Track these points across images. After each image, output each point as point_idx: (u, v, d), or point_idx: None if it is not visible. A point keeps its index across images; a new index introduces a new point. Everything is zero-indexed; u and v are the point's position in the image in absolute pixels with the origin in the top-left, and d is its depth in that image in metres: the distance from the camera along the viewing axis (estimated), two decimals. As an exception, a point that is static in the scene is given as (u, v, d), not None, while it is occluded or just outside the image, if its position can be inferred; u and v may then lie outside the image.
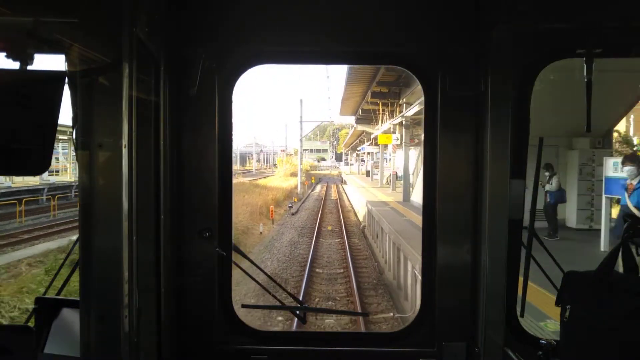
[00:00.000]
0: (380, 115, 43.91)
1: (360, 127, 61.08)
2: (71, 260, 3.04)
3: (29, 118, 2.14)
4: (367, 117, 53.20)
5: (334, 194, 60.27)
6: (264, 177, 75.72)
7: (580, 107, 2.93)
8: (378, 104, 42.83)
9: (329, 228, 30.40)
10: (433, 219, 3.22)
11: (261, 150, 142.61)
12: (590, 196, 17.58)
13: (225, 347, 3.26)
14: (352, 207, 43.61)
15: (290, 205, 41.41)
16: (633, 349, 2.23)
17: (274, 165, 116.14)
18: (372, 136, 55.59)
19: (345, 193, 59.46)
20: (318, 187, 74.28)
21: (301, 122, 59.76)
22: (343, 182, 79.84)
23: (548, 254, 3.10)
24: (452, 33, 3.13)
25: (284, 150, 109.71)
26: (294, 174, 63.98)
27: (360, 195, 40.01)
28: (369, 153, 76.17)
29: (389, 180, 48.62)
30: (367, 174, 77.13)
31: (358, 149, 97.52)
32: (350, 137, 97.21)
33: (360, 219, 34.24)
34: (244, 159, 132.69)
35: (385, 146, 48.42)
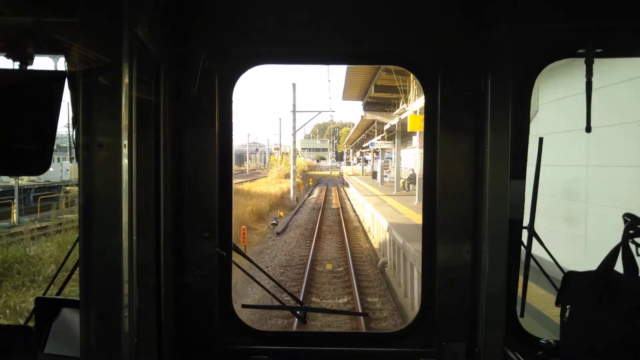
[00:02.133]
0: (411, 87, 30.94)
1: (369, 116, 48.60)
2: (71, 260, 3.04)
3: (29, 118, 2.14)
4: (380, 101, 41.92)
5: (334, 201, 50.32)
6: (253, 180, 63.45)
7: None
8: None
9: (329, 267, 19.39)
10: (433, 219, 3.22)
11: (256, 150, 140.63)
12: None
13: (225, 347, 3.27)
14: (360, 223, 33.14)
15: (274, 221, 30.02)
16: (632, 349, 2.24)
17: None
18: (386, 127, 44.42)
19: (349, 199, 50.36)
20: (316, 191, 65.74)
21: (294, 111, 48.40)
22: (345, 184, 73.18)
23: (548, 254, 3.10)
24: (452, 33, 3.12)
25: (277, 148, 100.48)
26: (288, 176, 53.87)
27: (371, 206, 28.33)
28: (376, 151, 64.99)
29: (404, 184, 40.45)
30: (374, 175, 65.94)
31: (364, 145, 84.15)
32: (355, 130, 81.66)
33: (375, 245, 24.29)
34: (240, 158, 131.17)
35: (408, 138, 39.30)
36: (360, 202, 37.91)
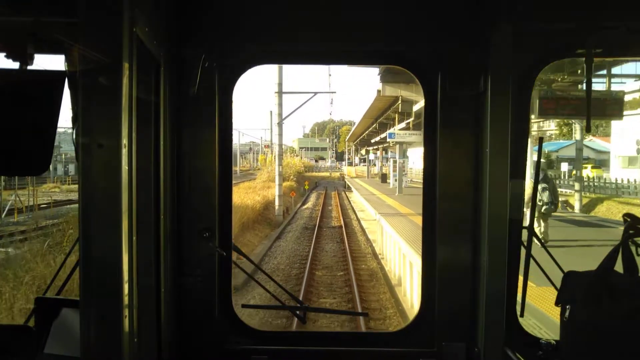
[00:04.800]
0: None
1: (390, 91, 33.47)
2: (71, 260, 3.03)
3: (29, 118, 2.15)
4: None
5: (335, 214, 38.18)
6: (235, 184, 44.20)
7: None
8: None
9: None
10: (433, 219, 3.22)
11: (250, 149, 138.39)
12: None
13: (225, 347, 3.27)
14: (376, 259, 20.91)
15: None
16: (633, 349, 2.24)
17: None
18: (417, 107, 30.99)
19: (354, 211, 38.72)
20: (312, 198, 53.17)
21: (280, 92, 34.70)
22: (347, 189, 61.05)
23: (548, 253, 3.11)
24: (452, 33, 3.12)
25: (268, 146, 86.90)
26: (283, 179, 39.42)
27: (404, 242, 16.13)
28: (385, 148, 53.62)
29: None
30: (383, 178, 55.89)
31: (373, 141, 67.49)
32: (363, 119, 61.88)
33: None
34: (235, 158, 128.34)
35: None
36: (372, 218, 28.09)
